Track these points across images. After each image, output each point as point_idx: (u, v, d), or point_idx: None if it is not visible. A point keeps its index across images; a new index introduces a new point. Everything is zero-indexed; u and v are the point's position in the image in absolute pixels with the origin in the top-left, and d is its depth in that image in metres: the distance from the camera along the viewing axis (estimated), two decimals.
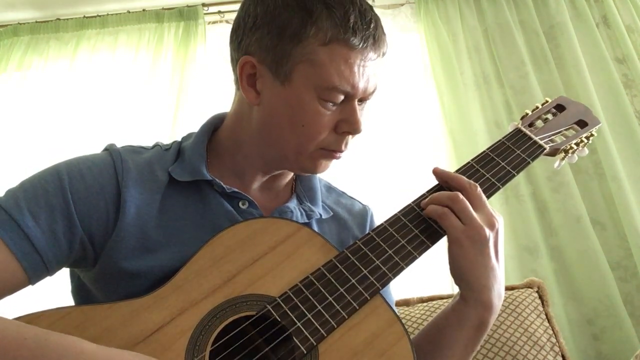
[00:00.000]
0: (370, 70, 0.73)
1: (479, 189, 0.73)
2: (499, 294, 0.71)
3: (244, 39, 0.75)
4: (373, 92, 0.76)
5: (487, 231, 0.69)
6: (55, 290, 1.14)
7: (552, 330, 1.34)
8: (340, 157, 0.79)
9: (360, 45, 0.70)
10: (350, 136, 0.77)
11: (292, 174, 0.88)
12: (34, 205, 0.67)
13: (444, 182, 0.77)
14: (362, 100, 0.76)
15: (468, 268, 0.69)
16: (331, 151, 0.76)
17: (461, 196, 0.71)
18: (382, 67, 0.76)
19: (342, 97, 0.72)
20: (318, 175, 0.91)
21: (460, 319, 0.72)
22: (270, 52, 0.72)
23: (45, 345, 0.52)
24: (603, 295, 1.70)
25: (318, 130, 0.73)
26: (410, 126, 2.07)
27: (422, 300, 1.46)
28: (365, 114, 0.78)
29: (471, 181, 0.74)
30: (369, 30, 0.71)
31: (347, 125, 0.74)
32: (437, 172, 0.77)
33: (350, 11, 0.70)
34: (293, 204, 0.83)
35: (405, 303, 1.47)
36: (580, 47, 2.03)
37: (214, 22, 2.33)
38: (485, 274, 0.69)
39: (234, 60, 0.78)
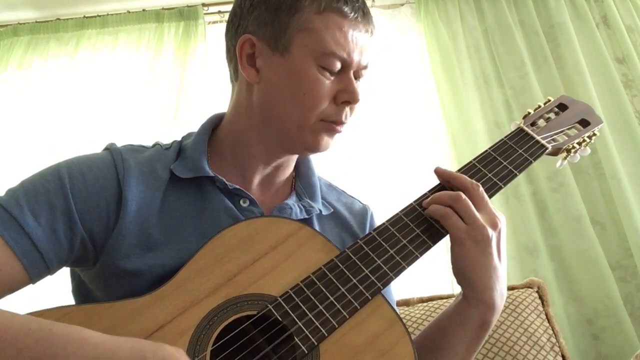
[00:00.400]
0: (363, 43, 0.77)
1: (481, 188, 0.73)
2: (501, 294, 0.71)
3: (242, 23, 0.78)
4: (366, 67, 0.79)
5: (490, 231, 0.69)
6: (55, 290, 1.14)
7: (552, 330, 1.34)
8: (340, 131, 0.80)
9: (352, 15, 0.75)
10: (349, 108, 0.79)
11: (291, 169, 0.88)
12: (35, 204, 0.67)
13: (446, 181, 0.77)
14: (356, 76, 0.78)
15: (470, 268, 0.69)
16: (332, 123, 0.78)
17: (463, 196, 0.71)
18: (372, 47, 0.80)
19: (338, 65, 0.75)
20: (318, 174, 0.92)
21: (463, 319, 0.72)
22: (268, 26, 0.75)
23: (50, 335, 0.53)
24: (603, 295, 1.70)
25: (319, 98, 0.75)
26: (410, 126, 2.07)
27: (422, 300, 1.46)
28: (360, 92, 0.79)
29: (473, 181, 0.74)
30: (358, 3, 0.77)
31: (346, 95, 0.76)
32: (438, 172, 0.77)
33: None
34: (292, 201, 0.83)
35: (406, 303, 1.47)
36: (580, 47, 2.03)
37: (214, 22, 2.32)
38: (488, 273, 0.69)
39: (231, 50, 0.80)
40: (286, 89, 0.75)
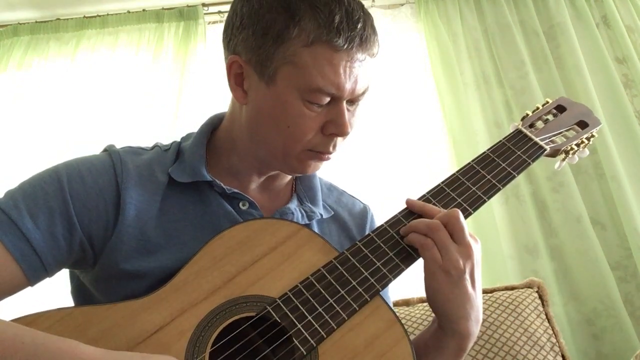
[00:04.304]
0: (359, 71, 0.71)
1: (461, 217, 0.69)
2: (476, 320, 0.70)
3: (232, 39, 0.75)
4: (364, 92, 0.74)
5: (462, 263, 0.67)
6: (55, 291, 1.14)
7: (552, 330, 1.34)
8: (329, 159, 0.78)
9: (345, 46, 0.68)
10: (339, 138, 0.75)
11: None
12: (33, 207, 0.67)
13: (418, 214, 0.74)
14: (352, 101, 0.74)
15: (444, 301, 0.68)
16: (318, 152, 0.75)
17: (441, 227, 0.68)
18: (375, 67, 0.74)
19: (327, 99, 0.71)
20: (319, 175, 0.91)
21: (439, 346, 0.72)
22: (255, 52, 0.71)
23: (43, 349, 0.52)
24: (603, 295, 1.70)
25: (303, 132, 0.72)
26: (410, 126, 2.06)
27: (423, 300, 1.46)
28: (358, 114, 0.77)
29: (448, 211, 0.70)
30: (355, 30, 0.69)
31: (334, 127, 0.73)
32: (409, 203, 0.75)
33: (335, 11, 0.68)
34: (294, 205, 0.83)
35: (406, 303, 1.47)
36: (580, 47, 2.03)
37: (214, 22, 2.32)
38: (462, 305, 0.68)
39: (225, 60, 0.78)
40: (271, 118, 0.72)
